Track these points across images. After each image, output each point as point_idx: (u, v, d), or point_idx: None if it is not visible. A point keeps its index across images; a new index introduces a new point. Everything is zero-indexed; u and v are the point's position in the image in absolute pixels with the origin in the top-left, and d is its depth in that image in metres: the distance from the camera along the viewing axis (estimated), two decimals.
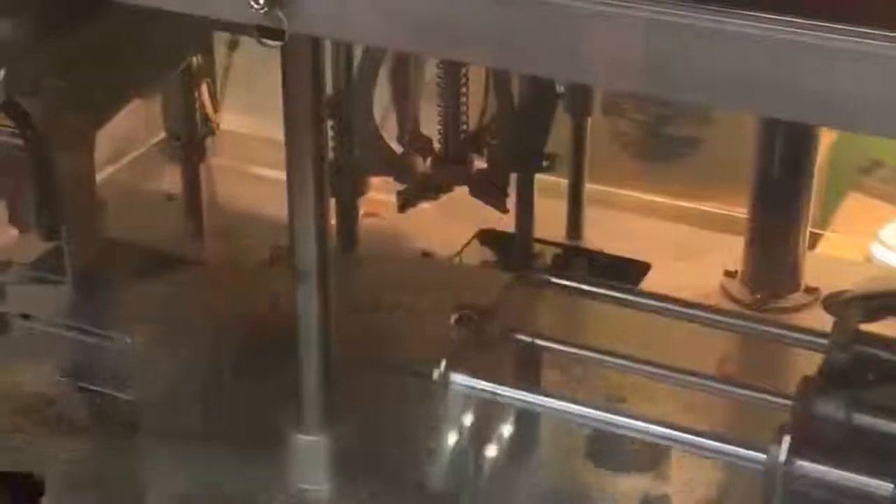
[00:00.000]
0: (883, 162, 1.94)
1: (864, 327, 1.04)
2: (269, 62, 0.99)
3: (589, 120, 1.34)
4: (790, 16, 0.72)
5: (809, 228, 1.69)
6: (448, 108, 1.21)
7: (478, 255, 1.38)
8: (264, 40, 0.86)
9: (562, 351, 1.08)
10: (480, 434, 1.07)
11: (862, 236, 1.74)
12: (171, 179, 1.38)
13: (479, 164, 1.25)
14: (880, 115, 0.72)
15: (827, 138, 1.86)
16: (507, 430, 1.08)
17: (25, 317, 1.14)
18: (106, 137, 1.20)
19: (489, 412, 1.06)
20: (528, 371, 1.08)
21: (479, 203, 1.26)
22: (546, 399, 1.02)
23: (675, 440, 0.96)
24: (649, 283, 1.32)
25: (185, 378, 1.12)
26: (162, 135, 1.39)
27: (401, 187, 1.25)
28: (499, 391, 1.02)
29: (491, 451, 1.08)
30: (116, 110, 1.14)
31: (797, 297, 1.30)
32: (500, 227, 1.35)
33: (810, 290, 1.31)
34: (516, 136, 1.21)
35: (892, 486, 0.90)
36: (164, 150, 1.38)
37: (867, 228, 1.75)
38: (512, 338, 1.08)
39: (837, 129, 1.27)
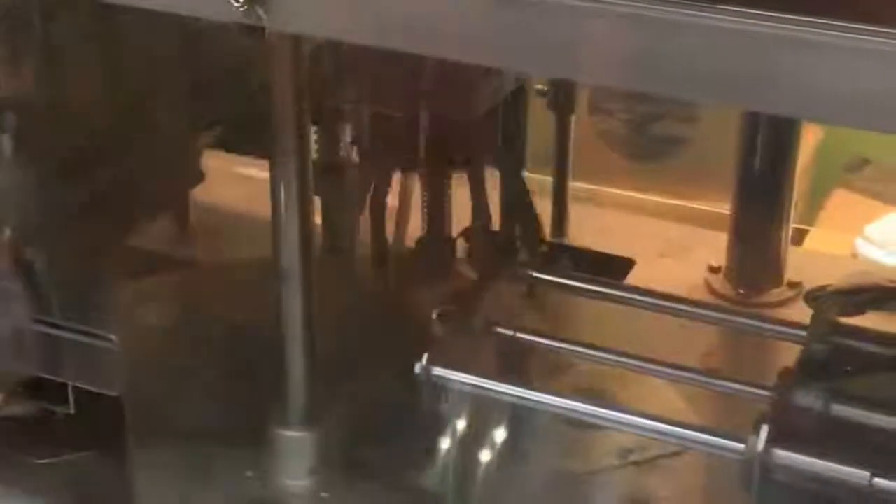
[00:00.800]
0: (869, 159, 1.95)
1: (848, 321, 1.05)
2: None
3: (573, 118, 1.35)
4: (769, 10, 0.73)
5: (796, 225, 1.71)
6: None
7: (463, 252, 1.38)
8: (245, 37, 0.86)
9: (543, 344, 1.09)
10: (463, 428, 1.08)
11: (848, 233, 1.75)
12: None
13: None
14: (860, 107, 0.73)
15: (814, 136, 1.88)
16: (489, 423, 1.09)
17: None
18: None
19: (471, 405, 1.07)
20: (509, 364, 1.09)
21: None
22: (527, 391, 1.02)
23: (654, 431, 0.97)
24: (634, 279, 1.32)
25: (171, 376, 1.12)
26: None
27: None
28: (481, 384, 1.03)
29: (474, 445, 1.09)
30: None
31: (780, 292, 1.31)
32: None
33: (793, 285, 1.32)
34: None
35: (868, 474, 0.91)
36: None
37: (853, 225, 1.77)
38: (494, 332, 1.09)
39: (816, 122, 1.28)
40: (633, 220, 1.45)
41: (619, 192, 1.57)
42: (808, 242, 1.72)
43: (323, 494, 1.10)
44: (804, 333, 1.02)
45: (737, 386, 1.02)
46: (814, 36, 0.72)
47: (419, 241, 1.28)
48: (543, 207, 1.37)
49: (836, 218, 1.85)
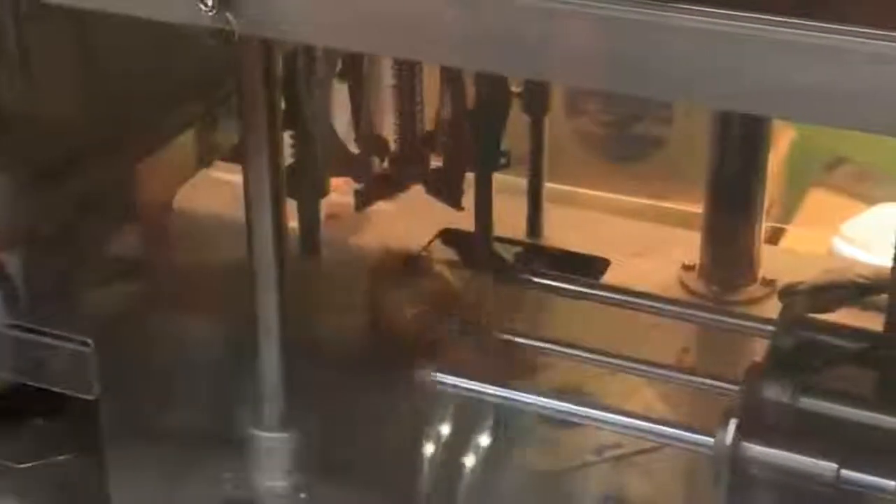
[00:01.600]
0: (845, 158, 1.96)
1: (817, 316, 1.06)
2: None
3: (546, 119, 1.36)
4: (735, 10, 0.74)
5: (774, 224, 1.72)
6: (403, 108, 1.23)
7: (440, 254, 1.39)
8: (215, 42, 0.87)
9: (523, 343, 1.10)
10: (444, 428, 1.09)
11: (825, 231, 1.76)
12: None
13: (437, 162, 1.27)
14: (829, 105, 0.73)
15: (789, 135, 1.90)
16: (468, 423, 1.10)
17: None
18: None
19: (450, 405, 1.08)
20: (486, 363, 1.10)
21: (443, 204, 1.28)
22: (501, 389, 1.03)
23: (625, 426, 0.98)
24: (609, 278, 1.33)
25: (147, 378, 1.13)
26: None
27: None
28: (460, 384, 1.04)
29: (451, 443, 1.10)
30: None
31: (754, 290, 1.32)
32: (462, 227, 1.37)
33: (767, 283, 1.33)
34: (470, 134, 1.23)
35: (836, 466, 0.92)
36: None
37: (830, 224, 1.77)
38: (473, 331, 1.10)
39: (786, 120, 1.29)
40: (609, 220, 1.46)
41: (596, 193, 1.58)
42: (786, 241, 1.73)
43: (301, 495, 1.10)
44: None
45: (707, 381, 1.03)
46: (788, 36, 0.72)
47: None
48: (520, 208, 1.39)
49: (813, 217, 1.86)
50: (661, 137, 1.78)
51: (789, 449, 0.93)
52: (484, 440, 1.11)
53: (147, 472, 1.10)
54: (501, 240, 1.36)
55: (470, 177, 1.28)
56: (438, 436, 1.08)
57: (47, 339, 1.06)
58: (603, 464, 1.10)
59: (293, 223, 1.26)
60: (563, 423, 1.06)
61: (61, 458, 1.13)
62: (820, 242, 1.75)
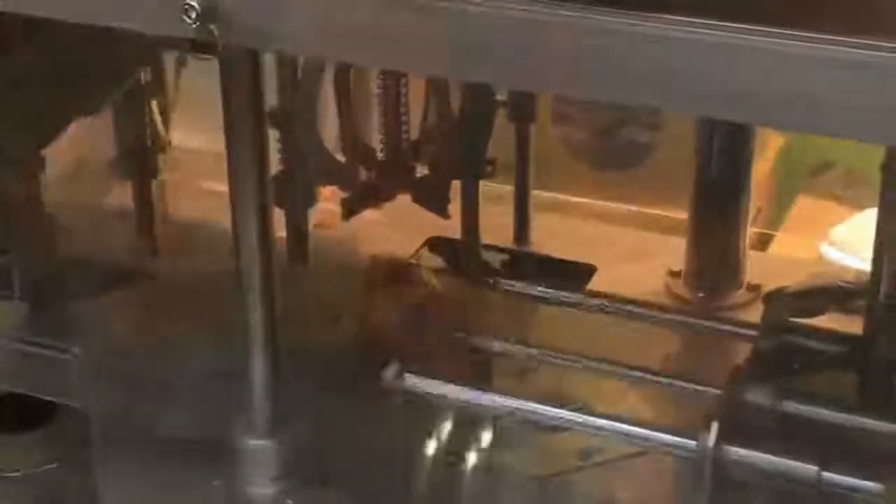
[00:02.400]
0: (833, 164, 1.97)
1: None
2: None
3: (532, 127, 1.37)
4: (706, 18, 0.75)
5: (761, 230, 1.73)
6: (389, 117, 1.24)
7: (428, 262, 1.40)
8: (199, 54, 0.88)
9: (505, 350, 1.11)
10: (428, 434, 1.10)
11: (813, 237, 1.77)
12: (123, 195, 1.40)
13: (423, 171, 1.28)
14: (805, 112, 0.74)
15: (777, 142, 1.90)
16: (452, 429, 1.11)
17: None
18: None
19: (435, 412, 1.09)
20: (470, 368, 1.11)
21: (431, 213, 1.29)
22: (487, 395, 1.04)
23: (608, 430, 0.99)
24: (595, 285, 1.34)
25: (136, 387, 1.14)
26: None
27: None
28: (442, 391, 1.05)
29: (438, 450, 1.11)
30: (61, 130, 1.17)
31: (739, 295, 1.33)
32: (450, 235, 1.38)
33: (752, 288, 1.33)
34: (456, 142, 1.24)
35: (816, 468, 0.93)
36: (115, 166, 1.41)
37: (818, 229, 1.78)
38: (456, 338, 1.11)
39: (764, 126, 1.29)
40: (595, 228, 1.47)
41: (583, 200, 1.59)
42: (774, 247, 1.73)
43: (288, 502, 1.11)
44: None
45: (690, 385, 1.04)
46: (774, 46, 0.73)
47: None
48: (507, 216, 1.40)
49: (801, 222, 1.87)
50: (647, 145, 1.78)
51: (771, 451, 0.94)
52: (470, 446, 1.12)
53: (136, 479, 1.11)
54: (489, 247, 1.37)
55: (457, 185, 1.29)
56: (423, 442, 1.09)
57: (36, 349, 1.07)
58: (585, 469, 1.11)
59: (281, 232, 1.27)
60: (548, 428, 1.06)
61: (51, 466, 1.14)
62: (808, 248, 1.76)
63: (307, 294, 1.25)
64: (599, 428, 1.00)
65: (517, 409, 1.04)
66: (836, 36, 0.72)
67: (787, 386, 0.97)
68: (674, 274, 1.36)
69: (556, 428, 1.06)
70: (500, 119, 1.33)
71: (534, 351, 1.13)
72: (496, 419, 1.11)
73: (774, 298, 1.17)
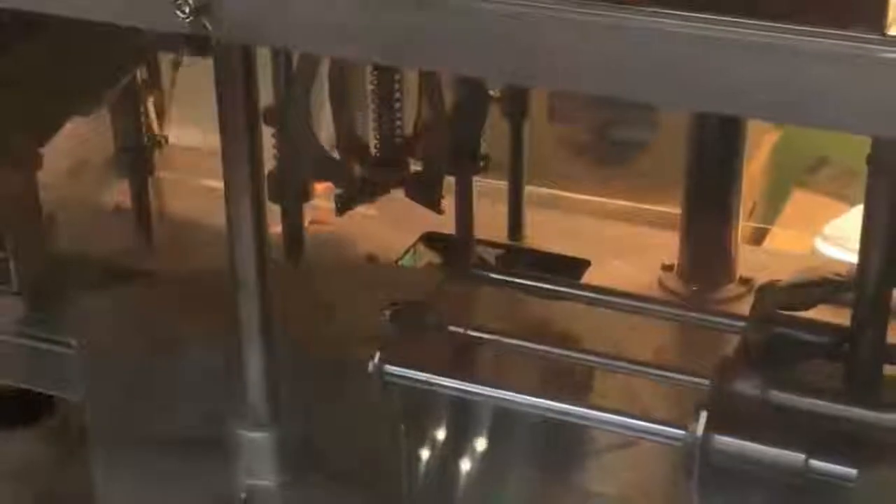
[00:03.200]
0: (827, 160, 1.98)
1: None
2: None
3: (526, 123, 1.38)
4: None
5: (756, 224, 1.74)
6: (382, 112, 1.25)
7: (424, 257, 1.41)
8: (193, 49, 0.89)
9: (493, 341, 1.12)
10: (420, 425, 1.11)
11: (807, 232, 1.78)
12: (120, 191, 1.42)
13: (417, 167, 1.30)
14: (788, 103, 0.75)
15: (772, 138, 1.92)
16: (444, 420, 1.12)
17: None
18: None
19: (425, 402, 1.10)
20: (461, 361, 1.12)
21: (426, 209, 1.30)
22: (476, 386, 1.05)
23: (598, 420, 1.00)
24: (589, 279, 1.35)
25: (133, 380, 1.15)
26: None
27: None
28: (433, 380, 1.06)
29: (432, 441, 1.12)
30: (58, 127, 1.18)
31: (732, 289, 1.34)
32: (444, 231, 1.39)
33: (745, 282, 1.34)
34: (449, 137, 1.25)
35: (804, 457, 0.94)
36: (112, 163, 1.42)
37: (812, 224, 1.79)
38: (446, 330, 1.12)
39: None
40: (589, 223, 1.48)
41: (576, 195, 1.60)
42: (769, 242, 1.75)
43: (285, 493, 1.12)
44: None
45: (679, 376, 1.05)
46: (748, 37, 0.74)
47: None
48: (501, 211, 1.41)
49: (795, 217, 1.88)
50: (640, 140, 1.80)
51: (759, 440, 0.95)
52: (466, 438, 1.13)
53: (133, 472, 1.12)
54: (483, 242, 1.38)
55: (451, 180, 1.30)
56: (418, 433, 1.10)
57: (33, 342, 1.08)
58: (576, 459, 1.12)
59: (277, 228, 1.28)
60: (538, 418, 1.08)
61: (48, 459, 1.15)
62: (802, 243, 1.77)
63: (302, 289, 1.27)
64: (590, 418, 1.01)
65: (510, 400, 1.04)
66: (823, 28, 0.73)
67: (775, 376, 0.98)
68: (666, 267, 1.37)
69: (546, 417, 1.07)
70: (495, 115, 1.34)
71: (525, 343, 1.14)
72: (489, 411, 1.13)
73: (764, 291, 1.18)
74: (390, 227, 1.40)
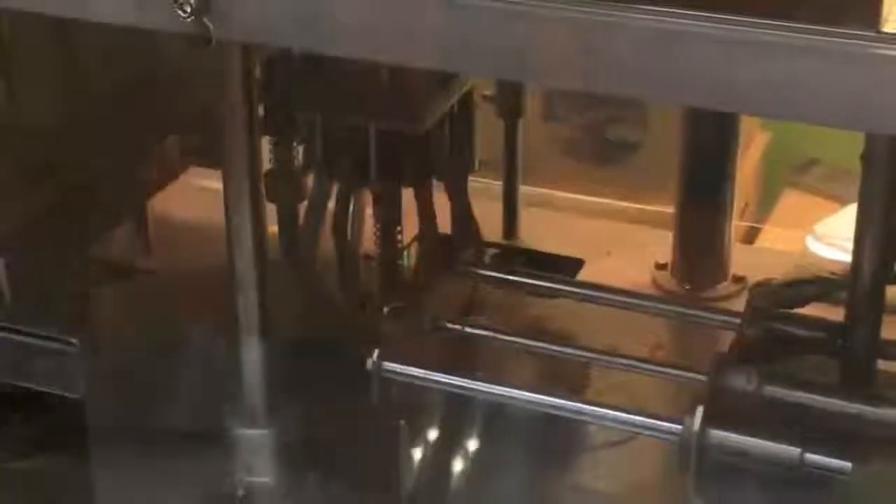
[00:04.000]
0: (818, 160, 2.00)
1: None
2: None
3: (520, 122, 1.39)
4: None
5: (749, 223, 1.75)
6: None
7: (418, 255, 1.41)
8: (193, 48, 0.89)
9: (490, 338, 1.13)
10: (417, 421, 1.11)
11: (799, 231, 1.79)
12: None
13: None
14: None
15: (764, 138, 1.93)
16: (441, 416, 1.13)
17: None
18: None
19: (423, 399, 1.11)
20: (459, 358, 1.13)
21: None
22: (473, 383, 1.06)
23: (595, 416, 1.01)
24: (584, 278, 1.36)
25: (132, 378, 1.15)
26: None
27: None
28: (431, 377, 1.07)
29: (430, 438, 1.13)
30: None
31: (725, 287, 1.35)
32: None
33: (737, 280, 1.35)
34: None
35: (799, 450, 0.95)
36: None
37: (804, 223, 1.81)
38: (443, 327, 1.13)
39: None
40: (583, 222, 1.49)
41: (570, 195, 1.61)
42: (761, 241, 1.76)
43: (283, 491, 1.13)
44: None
45: (675, 371, 1.06)
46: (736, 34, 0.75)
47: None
48: (495, 211, 1.42)
49: (787, 217, 1.89)
50: (633, 141, 1.81)
51: (754, 435, 0.96)
52: (463, 434, 1.14)
53: (131, 470, 1.12)
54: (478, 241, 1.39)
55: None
56: (414, 429, 1.11)
57: (32, 339, 1.08)
58: (573, 454, 1.13)
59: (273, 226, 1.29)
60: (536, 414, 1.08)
61: (46, 456, 1.15)
62: (794, 241, 1.78)
63: (298, 286, 1.27)
64: (586, 414, 1.02)
65: (506, 396, 1.05)
66: (818, 25, 0.74)
67: (769, 371, 0.99)
68: (660, 266, 1.38)
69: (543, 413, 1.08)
70: (489, 115, 1.35)
71: (522, 340, 1.15)
72: (487, 407, 1.13)
73: (758, 288, 1.19)
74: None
